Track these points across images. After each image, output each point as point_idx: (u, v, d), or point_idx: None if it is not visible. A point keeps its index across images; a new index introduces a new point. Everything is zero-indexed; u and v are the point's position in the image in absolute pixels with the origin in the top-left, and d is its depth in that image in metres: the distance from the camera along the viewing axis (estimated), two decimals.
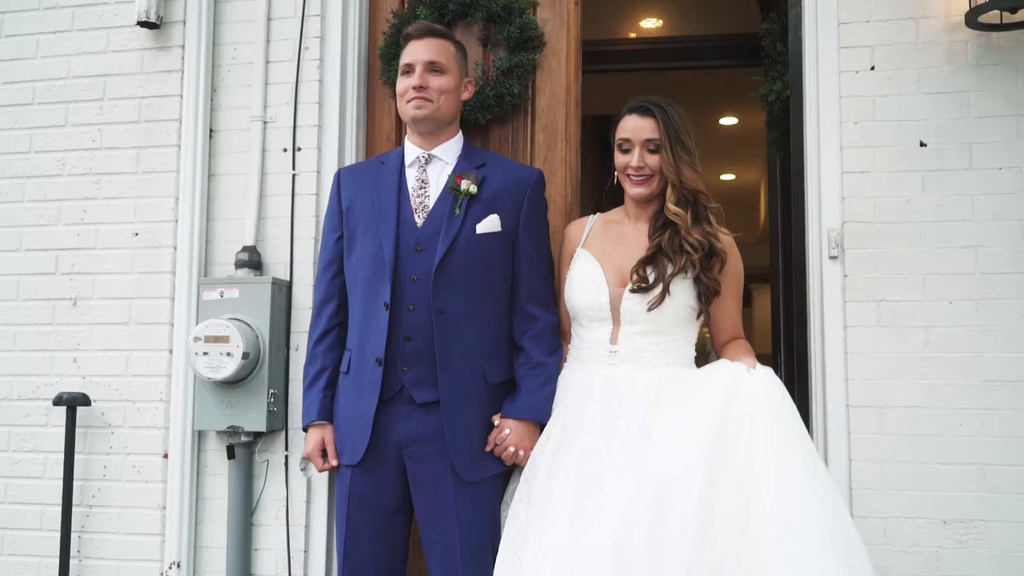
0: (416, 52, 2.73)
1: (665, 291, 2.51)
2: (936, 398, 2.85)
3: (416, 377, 2.60)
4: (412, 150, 2.77)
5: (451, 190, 2.68)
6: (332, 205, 2.82)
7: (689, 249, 2.51)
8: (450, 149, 2.77)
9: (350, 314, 2.74)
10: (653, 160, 2.59)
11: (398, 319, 2.60)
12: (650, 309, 2.52)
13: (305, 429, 2.76)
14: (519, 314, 2.70)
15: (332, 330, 2.75)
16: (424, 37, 2.76)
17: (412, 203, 2.69)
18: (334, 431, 2.71)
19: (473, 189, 2.66)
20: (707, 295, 2.52)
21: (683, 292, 2.53)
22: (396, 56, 3.10)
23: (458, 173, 2.70)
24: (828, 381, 2.93)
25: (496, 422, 2.63)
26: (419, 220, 2.67)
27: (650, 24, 5.71)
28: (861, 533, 2.79)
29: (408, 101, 2.72)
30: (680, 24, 5.60)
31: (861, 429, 2.88)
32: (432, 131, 2.75)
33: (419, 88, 2.70)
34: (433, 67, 2.71)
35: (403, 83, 2.74)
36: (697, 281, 2.52)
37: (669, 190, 2.58)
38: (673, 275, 2.52)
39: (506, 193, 2.70)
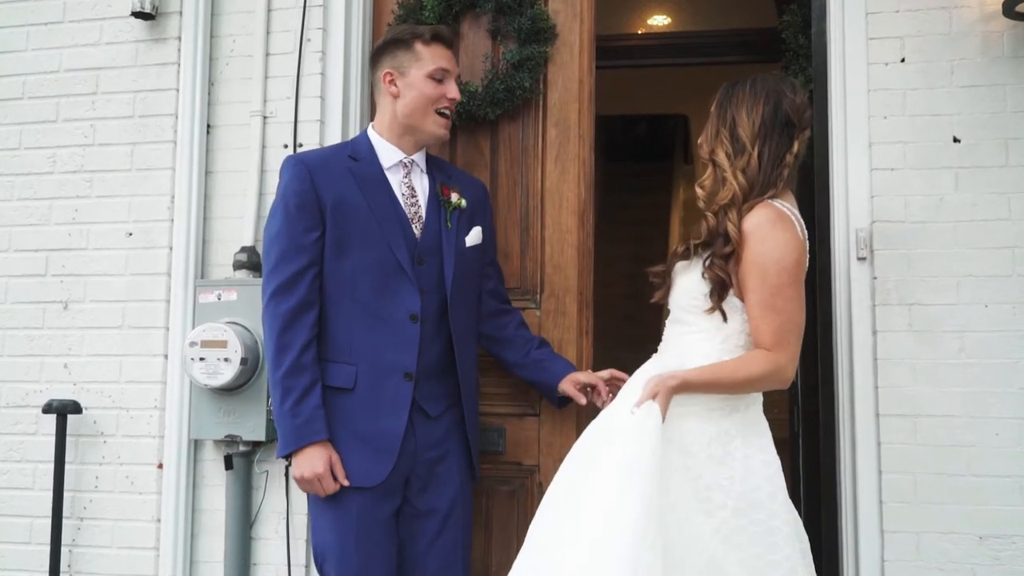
0: (450, 60, 2.68)
1: (670, 280, 2.44)
2: (971, 406, 2.73)
3: (427, 391, 2.57)
4: (392, 152, 2.66)
5: (443, 203, 2.65)
6: (305, 198, 2.52)
7: (693, 235, 2.40)
8: (422, 155, 2.74)
9: (342, 324, 2.54)
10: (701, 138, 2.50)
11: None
12: (656, 299, 2.47)
13: (290, 456, 2.48)
14: (495, 312, 2.83)
15: (313, 340, 2.51)
16: (451, 48, 2.71)
17: (407, 211, 2.62)
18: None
19: (463, 203, 2.69)
20: (714, 280, 2.30)
21: (692, 277, 2.36)
22: None
23: (443, 184, 2.70)
24: (856, 389, 2.81)
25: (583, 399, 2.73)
26: (416, 230, 2.61)
27: (660, 20, 5.60)
28: (893, 549, 2.72)
29: (440, 113, 2.65)
30: (691, 19, 5.50)
31: (892, 439, 2.76)
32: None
33: (455, 102, 2.67)
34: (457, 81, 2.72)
35: (435, 89, 2.63)
36: (707, 265, 2.33)
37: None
38: (672, 263, 2.44)
39: (477, 205, 2.77)
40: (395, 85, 2.64)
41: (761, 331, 2.27)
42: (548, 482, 2.92)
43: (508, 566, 2.95)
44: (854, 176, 2.86)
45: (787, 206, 2.34)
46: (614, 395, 2.55)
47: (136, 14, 3.17)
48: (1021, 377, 2.71)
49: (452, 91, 2.66)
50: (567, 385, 2.75)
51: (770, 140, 2.35)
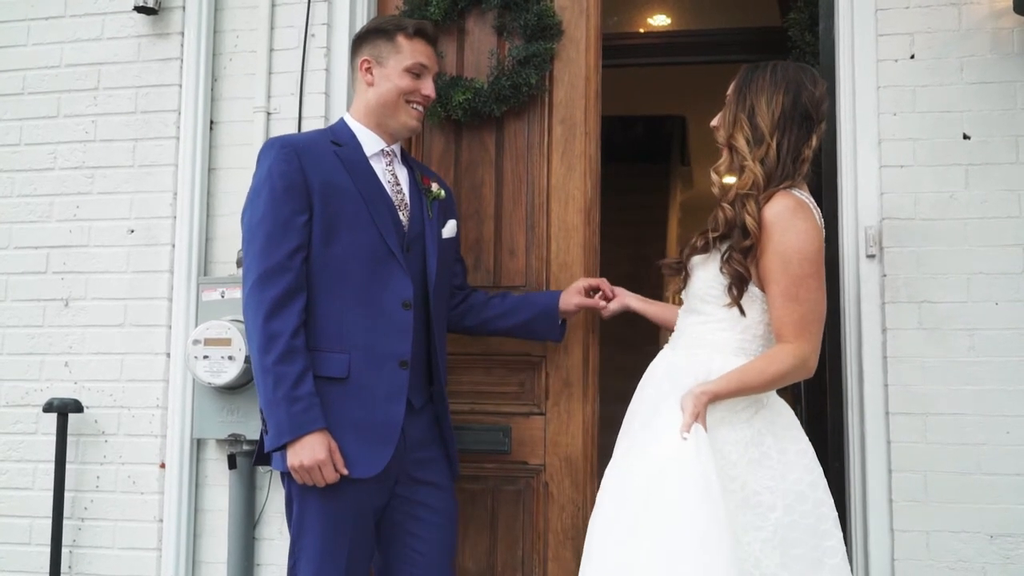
0: (430, 56, 2.65)
1: (686, 273, 2.41)
2: (982, 405, 2.71)
3: (412, 381, 2.51)
4: (373, 140, 2.62)
5: (424, 192, 2.65)
6: (292, 180, 2.43)
7: (710, 226, 2.35)
8: (398, 147, 2.71)
9: (332, 312, 2.45)
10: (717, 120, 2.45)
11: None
12: (675, 290, 2.47)
13: (284, 446, 2.34)
14: (465, 297, 2.85)
15: (302, 326, 2.39)
16: (434, 45, 2.69)
17: (393, 198, 2.58)
18: None
19: (443, 194, 2.70)
20: (733, 275, 2.27)
21: (711, 268, 2.33)
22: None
23: (422, 175, 2.70)
24: (866, 387, 2.79)
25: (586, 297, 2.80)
26: (403, 217, 2.58)
27: (661, 20, 5.58)
28: (903, 548, 2.70)
29: (413, 106, 2.62)
30: (693, 18, 5.48)
31: (901, 438, 2.74)
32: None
33: (428, 99, 2.64)
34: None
35: (411, 83, 2.59)
36: (725, 259, 2.29)
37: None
38: (689, 255, 2.39)
39: (448, 197, 2.77)
40: (370, 74, 2.60)
41: (784, 322, 2.24)
42: (554, 482, 2.97)
43: (513, 566, 2.97)
44: (863, 173, 2.85)
45: (805, 195, 2.32)
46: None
47: (138, 9, 3.14)
48: None
49: (427, 88, 2.62)
50: (572, 296, 2.80)
51: (789, 132, 2.32)
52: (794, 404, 4.18)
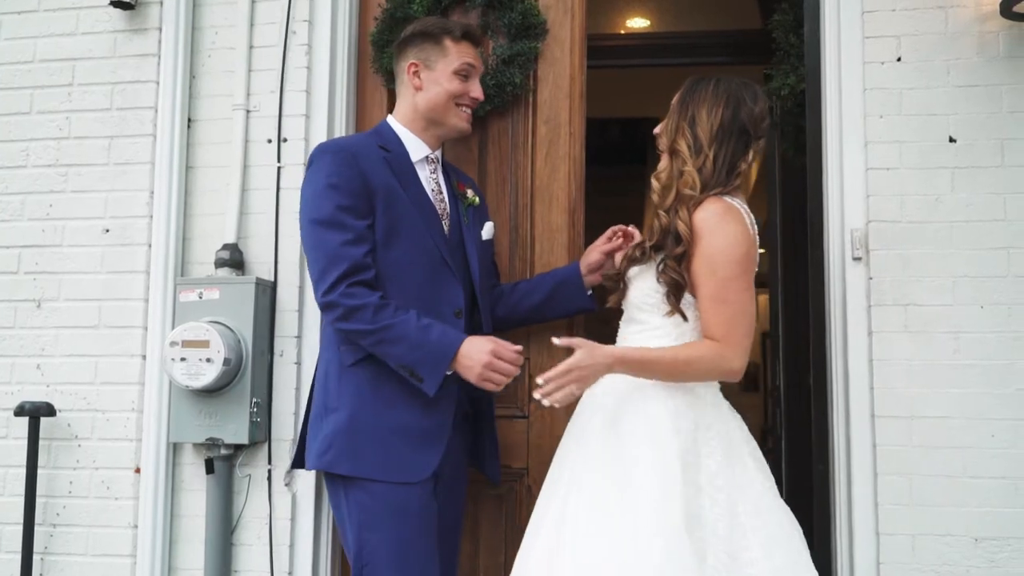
0: (476, 57, 2.69)
1: (624, 283, 2.43)
2: (967, 408, 2.71)
3: (464, 387, 2.52)
4: (419, 146, 2.64)
5: (460, 199, 2.67)
6: (354, 184, 2.45)
7: (646, 235, 2.39)
8: (440, 152, 2.74)
9: None
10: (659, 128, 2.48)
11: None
12: (611, 303, 2.49)
13: (451, 372, 2.41)
14: (494, 289, 2.83)
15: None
16: (479, 46, 2.72)
17: (436, 207, 2.61)
18: (372, 449, 2.44)
19: (477, 201, 2.73)
20: (669, 284, 2.29)
21: (648, 278, 2.36)
22: (389, 43, 2.99)
23: (458, 182, 2.72)
24: (851, 390, 2.78)
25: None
26: (445, 226, 2.60)
27: (640, 23, 5.57)
28: (888, 551, 2.69)
29: (462, 109, 2.64)
30: (673, 20, 5.47)
31: (887, 441, 2.73)
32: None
33: (477, 101, 2.66)
34: None
35: (459, 86, 2.62)
36: (660, 269, 2.32)
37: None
38: (627, 266, 2.42)
39: (482, 202, 2.80)
40: (418, 78, 2.62)
41: (711, 323, 2.26)
42: (537, 486, 2.90)
43: (495, 570, 2.94)
44: (849, 176, 2.84)
45: (737, 201, 2.35)
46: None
47: (115, 3, 3.07)
48: (1017, 378, 2.70)
49: (475, 90, 2.66)
50: (592, 253, 2.78)
51: (726, 144, 2.35)
52: (774, 407, 4.20)
